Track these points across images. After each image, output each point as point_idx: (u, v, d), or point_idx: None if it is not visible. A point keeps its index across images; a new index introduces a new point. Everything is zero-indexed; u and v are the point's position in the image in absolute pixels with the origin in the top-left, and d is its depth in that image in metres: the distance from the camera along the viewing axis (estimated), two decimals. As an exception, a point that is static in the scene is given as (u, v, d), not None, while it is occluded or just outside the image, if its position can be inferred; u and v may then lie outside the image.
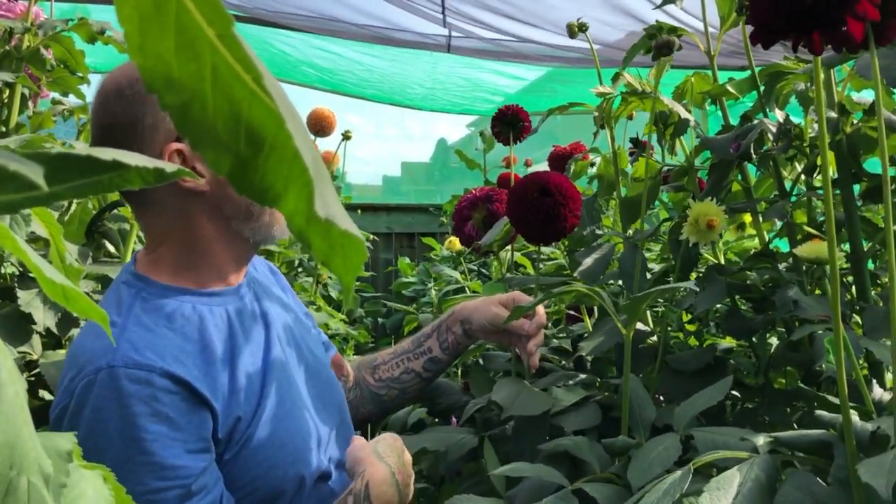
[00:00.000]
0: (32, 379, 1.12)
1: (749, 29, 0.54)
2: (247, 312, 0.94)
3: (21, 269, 1.15)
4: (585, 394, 0.97)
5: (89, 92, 1.34)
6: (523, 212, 0.98)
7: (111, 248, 1.32)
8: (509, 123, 1.29)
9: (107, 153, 0.21)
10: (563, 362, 1.23)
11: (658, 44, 0.95)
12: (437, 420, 1.33)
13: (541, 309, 1.10)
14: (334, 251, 0.20)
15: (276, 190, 0.20)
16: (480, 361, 1.29)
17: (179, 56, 0.18)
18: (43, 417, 0.85)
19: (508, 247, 1.37)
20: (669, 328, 1.09)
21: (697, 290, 0.89)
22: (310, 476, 0.89)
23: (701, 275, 1.10)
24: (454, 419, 1.21)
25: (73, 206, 1.30)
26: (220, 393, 0.83)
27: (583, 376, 1.07)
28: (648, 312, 1.15)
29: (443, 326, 1.17)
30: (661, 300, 1.16)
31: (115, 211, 1.33)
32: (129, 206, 0.96)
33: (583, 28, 1.20)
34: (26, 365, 1.11)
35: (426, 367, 1.17)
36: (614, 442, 0.80)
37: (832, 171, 0.95)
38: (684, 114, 1.00)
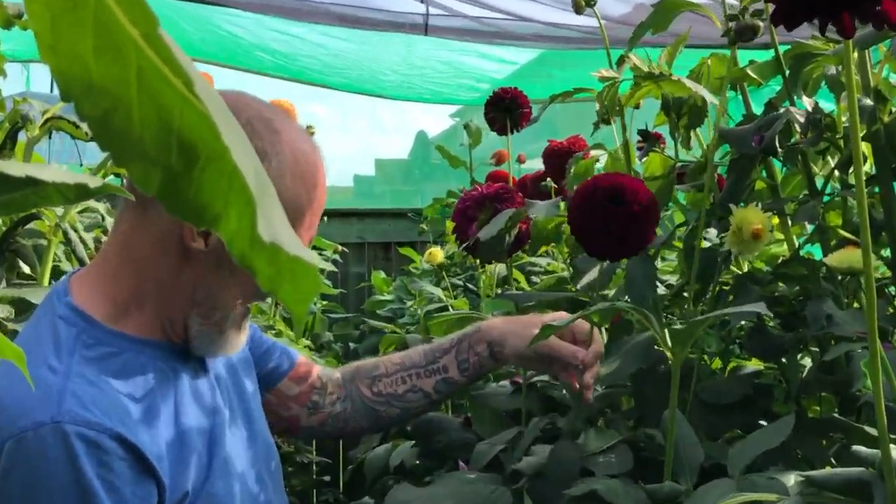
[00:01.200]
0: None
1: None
2: (192, 370, 0.94)
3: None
4: (619, 437, 0.96)
5: (6, 85, 1.34)
6: (592, 223, 0.92)
7: (26, 269, 1.31)
8: (506, 109, 1.24)
9: (18, 168, 0.21)
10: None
11: (738, 28, 0.89)
12: (420, 460, 1.31)
13: (597, 335, 1.05)
14: (283, 277, 0.21)
15: (214, 209, 0.20)
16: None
17: (99, 58, 0.18)
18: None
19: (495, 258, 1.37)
20: (703, 352, 1.08)
21: (760, 312, 0.86)
22: None
23: (726, 287, 1.11)
24: (462, 463, 1.18)
25: (-19, 223, 1.29)
26: (164, 462, 0.83)
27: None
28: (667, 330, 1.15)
29: (464, 344, 1.12)
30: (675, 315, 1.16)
31: (30, 225, 1.32)
32: (129, 201, 0.92)
33: (590, 3, 1.17)
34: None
35: (438, 388, 1.13)
36: (661, 487, 0.79)
37: (869, 166, 0.96)
38: (710, 98, 0.99)
